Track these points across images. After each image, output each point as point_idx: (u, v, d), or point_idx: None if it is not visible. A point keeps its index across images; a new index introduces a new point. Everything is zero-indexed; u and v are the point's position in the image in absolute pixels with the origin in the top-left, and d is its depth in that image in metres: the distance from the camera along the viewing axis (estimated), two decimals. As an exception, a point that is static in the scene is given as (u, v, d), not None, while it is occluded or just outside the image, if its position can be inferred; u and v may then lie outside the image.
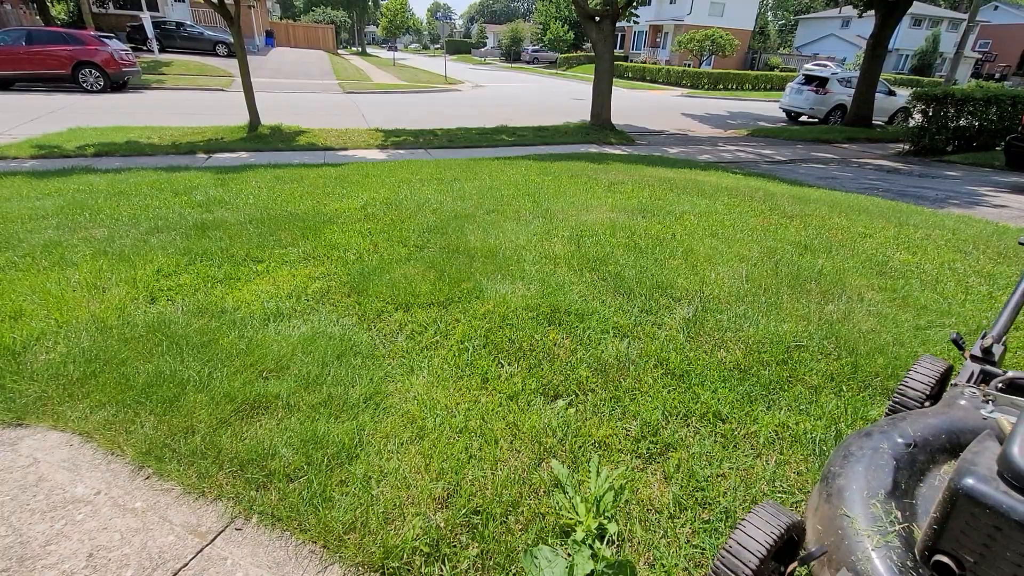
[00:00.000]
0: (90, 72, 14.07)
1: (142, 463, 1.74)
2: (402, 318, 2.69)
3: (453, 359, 2.32)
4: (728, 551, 1.12)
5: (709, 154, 10.53)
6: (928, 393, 1.57)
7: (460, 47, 65.33)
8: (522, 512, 1.52)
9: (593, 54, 12.52)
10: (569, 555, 1.35)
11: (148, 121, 9.96)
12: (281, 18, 54.41)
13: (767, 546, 1.10)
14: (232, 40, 9.81)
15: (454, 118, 13.05)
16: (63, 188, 5.02)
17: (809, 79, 15.98)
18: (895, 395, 1.62)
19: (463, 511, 1.51)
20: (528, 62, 48.90)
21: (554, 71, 39.04)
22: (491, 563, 1.38)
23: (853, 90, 15.06)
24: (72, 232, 3.80)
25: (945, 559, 0.96)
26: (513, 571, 1.36)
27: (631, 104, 19.04)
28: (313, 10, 62.57)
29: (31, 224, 3.94)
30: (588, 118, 12.61)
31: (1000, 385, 1.44)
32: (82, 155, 7.17)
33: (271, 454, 1.72)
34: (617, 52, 33.03)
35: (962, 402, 1.35)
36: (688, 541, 1.47)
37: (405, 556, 1.39)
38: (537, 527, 1.47)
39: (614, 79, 12.98)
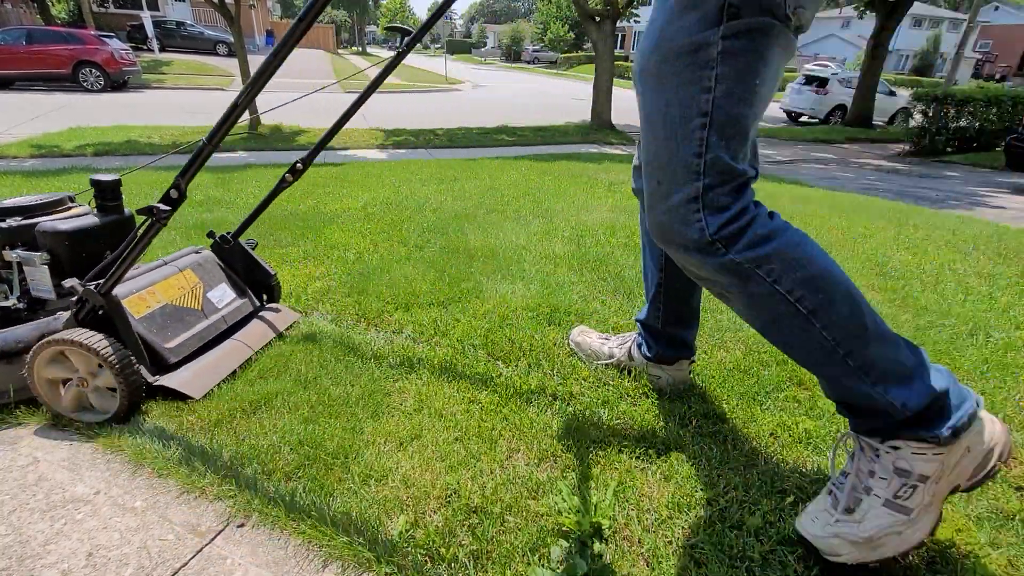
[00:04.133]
0: (90, 71, 14.08)
1: (142, 462, 1.74)
2: (402, 318, 2.69)
3: (453, 359, 2.32)
4: None
5: (709, 154, 10.51)
6: None
7: (460, 47, 65.36)
8: (521, 511, 1.52)
9: (593, 54, 12.50)
10: (566, 558, 1.35)
11: (148, 120, 9.96)
12: (282, 17, 54.33)
13: None
14: (232, 39, 9.81)
15: (454, 118, 13.05)
16: (63, 187, 5.02)
17: (810, 79, 15.99)
18: None
19: (462, 510, 1.51)
20: (528, 62, 48.90)
21: (554, 71, 39.04)
22: (489, 562, 1.38)
23: (853, 90, 15.05)
24: (72, 231, 3.79)
25: None
26: (511, 571, 1.36)
27: (632, 104, 18.93)
28: (313, 9, 62.46)
29: (31, 223, 3.93)
30: (588, 118, 12.60)
31: None
32: (82, 154, 7.17)
33: (270, 453, 1.72)
34: (618, 52, 32.96)
35: None
36: (688, 541, 1.47)
37: (404, 554, 1.39)
38: (536, 526, 1.47)
39: (615, 79, 12.96)
